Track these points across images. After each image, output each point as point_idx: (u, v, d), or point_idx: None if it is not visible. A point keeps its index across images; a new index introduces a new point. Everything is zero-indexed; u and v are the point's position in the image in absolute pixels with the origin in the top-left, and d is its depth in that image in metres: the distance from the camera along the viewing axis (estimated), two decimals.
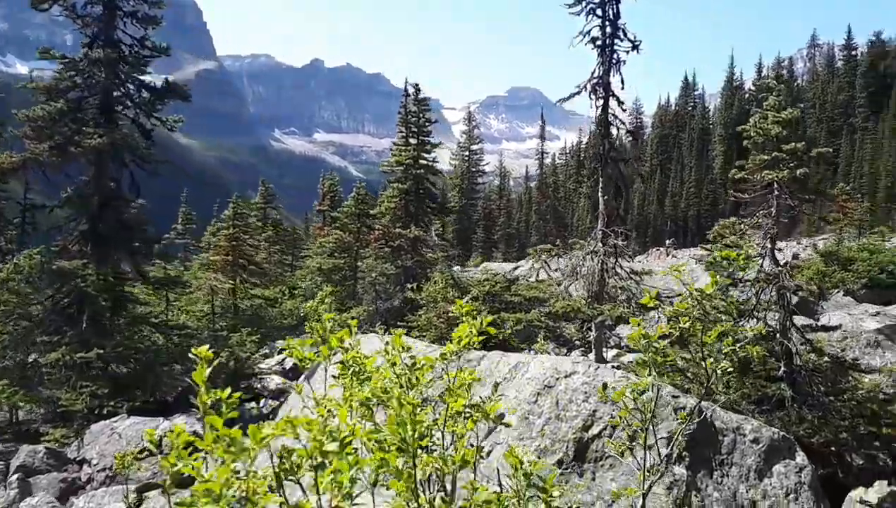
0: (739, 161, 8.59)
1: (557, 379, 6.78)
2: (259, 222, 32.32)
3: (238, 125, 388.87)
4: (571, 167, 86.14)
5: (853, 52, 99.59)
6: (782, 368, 7.99)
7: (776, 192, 7.96)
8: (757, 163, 8.14)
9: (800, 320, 12.86)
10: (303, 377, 11.02)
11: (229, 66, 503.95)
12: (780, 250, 33.19)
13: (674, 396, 6.23)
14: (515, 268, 28.64)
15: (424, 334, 13.28)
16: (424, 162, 18.98)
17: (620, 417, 3.96)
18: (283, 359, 17.48)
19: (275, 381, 16.94)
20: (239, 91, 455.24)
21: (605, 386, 3.51)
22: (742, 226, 8.47)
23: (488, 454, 6.66)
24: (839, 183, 42.61)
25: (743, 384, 8.33)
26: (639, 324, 3.49)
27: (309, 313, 15.69)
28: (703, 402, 6.64)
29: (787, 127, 8.02)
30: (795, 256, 31.49)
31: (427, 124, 19.88)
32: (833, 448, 7.19)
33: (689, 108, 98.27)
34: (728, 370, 3.62)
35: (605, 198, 13.89)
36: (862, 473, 7.07)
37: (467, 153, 66.15)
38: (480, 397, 2.88)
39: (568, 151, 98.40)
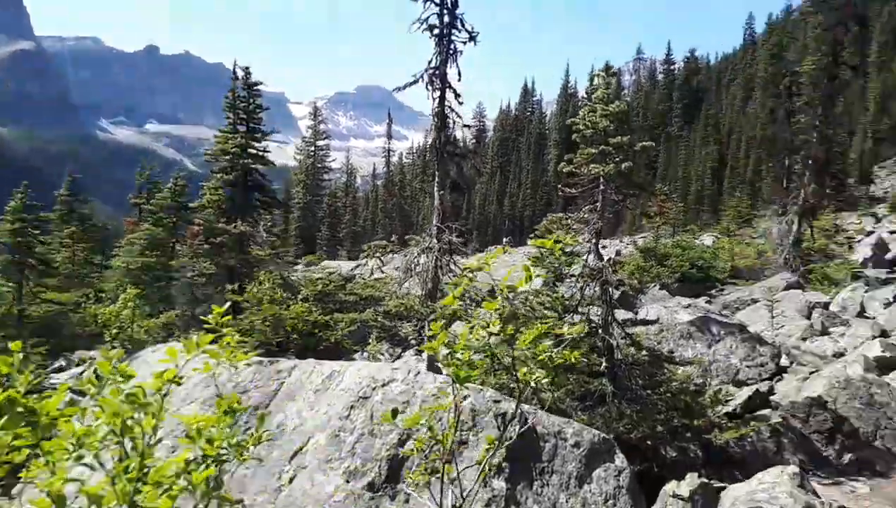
0: (569, 155, 8.45)
1: (374, 388, 6.11)
2: (62, 217, 28.49)
3: (59, 112, 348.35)
4: (418, 166, 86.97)
5: (672, 67, 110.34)
6: (604, 363, 7.94)
7: (602, 187, 7.88)
8: (585, 156, 8.03)
9: (621, 314, 13.34)
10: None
11: (50, 47, 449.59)
12: (604, 247, 35.29)
13: (495, 401, 5.81)
14: (356, 267, 27.82)
15: (246, 340, 12.06)
16: (254, 151, 17.48)
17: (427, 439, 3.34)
18: (83, 372, 15.25)
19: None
20: (61, 75, 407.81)
21: (395, 412, 2.83)
22: (569, 221, 8.32)
23: (290, 480, 5.83)
24: (658, 185, 46.52)
25: (567, 380, 8.20)
26: (471, 325, 2.97)
27: (109, 319, 13.80)
28: (525, 406, 6.30)
29: (614, 120, 7.96)
30: (618, 253, 33.69)
31: (258, 110, 18.38)
32: (649, 442, 7.26)
33: (528, 113, 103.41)
34: (542, 379, 3.14)
35: (441, 193, 13.54)
36: (676, 465, 7.19)
37: (313, 148, 64.04)
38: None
39: (415, 151, 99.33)
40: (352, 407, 5.96)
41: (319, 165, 64.47)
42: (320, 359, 7.46)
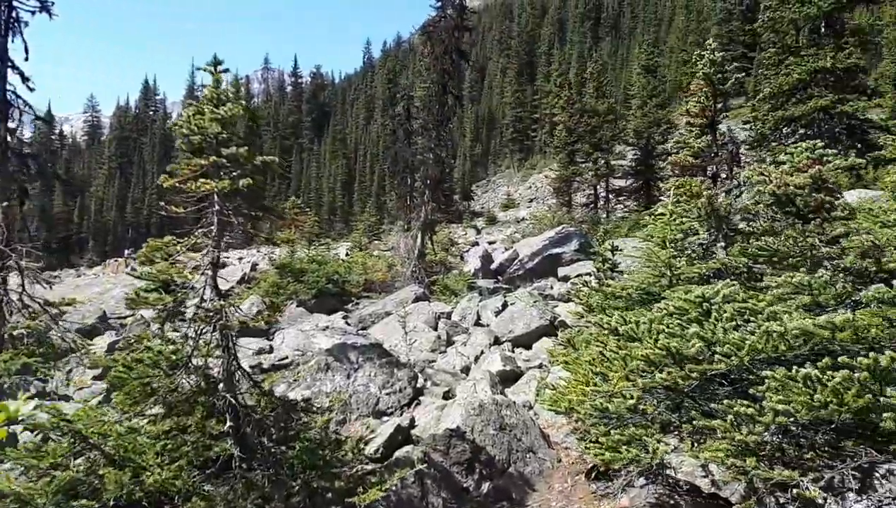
0: (173, 165, 6.62)
1: None
2: None
3: None
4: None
5: (300, 80, 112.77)
6: (228, 423, 6.40)
7: (217, 207, 6.29)
8: (191, 167, 6.34)
9: (254, 344, 11.92)
10: None
11: None
12: (241, 258, 32.66)
13: None
14: None
15: None
16: None
17: None
18: None
19: None
20: None
21: None
22: (179, 247, 6.53)
23: None
24: (291, 197, 46.22)
25: (184, 445, 6.43)
26: None
27: None
28: None
29: (227, 126, 6.44)
30: (254, 267, 32.03)
31: None
32: None
33: (151, 113, 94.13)
34: None
35: (6, 205, 10.10)
36: None
37: None
38: None
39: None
40: None
41: None
42: None
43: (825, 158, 5.91)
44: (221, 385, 6.38)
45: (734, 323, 5.08)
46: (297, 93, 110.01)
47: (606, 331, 6.39)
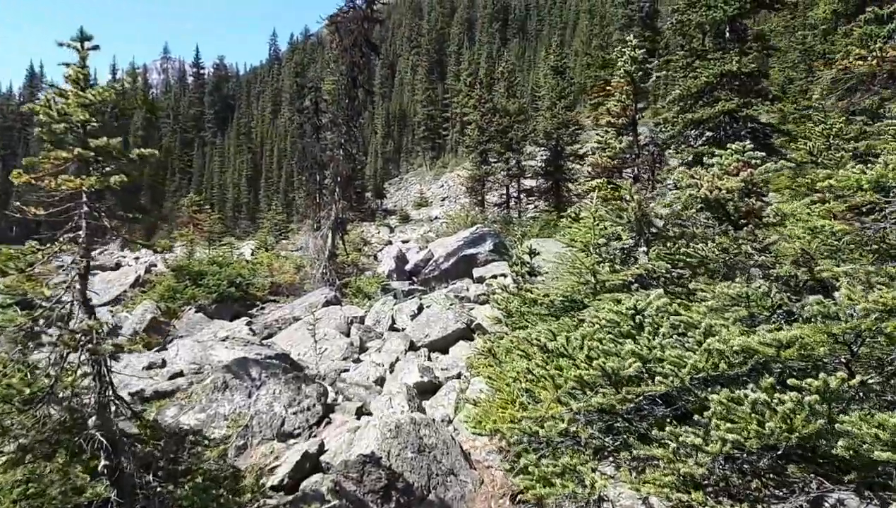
0: (30, 157, 5.55)
1: None
2: None
3: None
4: None
5: (202, 71, 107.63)
6: (103, 461, 5.44)
7: (85, 208, 5.33)
8: (53, 161, 5.33)
9: (144, 357, 10.72)
10: None
11: None
12: (137, 258, 30.25)
13: None
14: None
15: None
16: None
17: None
18: None
19: None
20: None
21: None
22: (40, 254, 5.50)
23: None
24: (191, 193, 43.62)
25: (50, 488, 5.43)
26: None
27: None
28: None
29: (97, 113, 5.47)
30: (150, 268, 29.83)
31: None
32: None
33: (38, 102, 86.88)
34: None
35: None
36: None
37: None
38: None
39: None
40: None
41: None
42: None
43: (754, 161, 5.70)
44: (93, 419, 5.41)
45: (671, 338, 4.72)
46: (200, 84, 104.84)
47: (533, 345, 5.93)
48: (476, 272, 18.78)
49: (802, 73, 31.98)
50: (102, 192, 5.46)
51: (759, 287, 4.78)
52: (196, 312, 17.02)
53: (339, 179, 20.44)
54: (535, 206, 30.52)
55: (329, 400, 8.59)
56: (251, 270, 19.37)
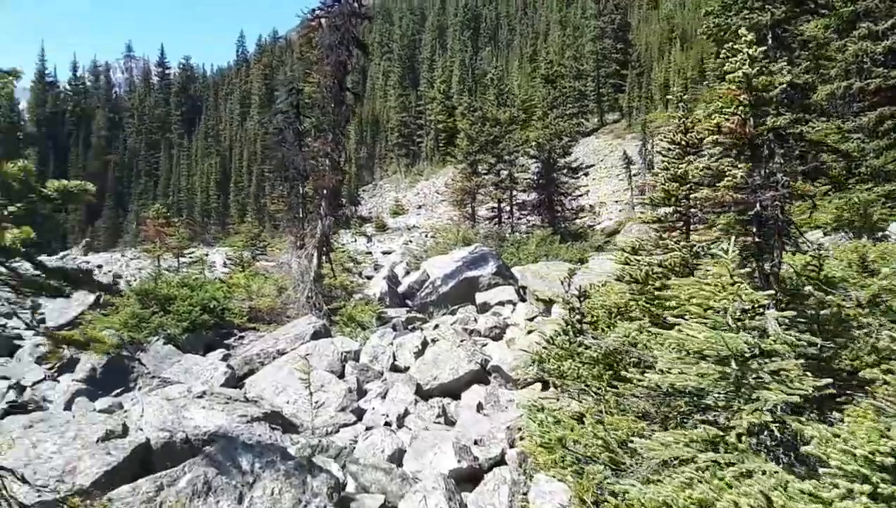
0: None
1: None
2: None
3: None
4: None
5: (167, 71, 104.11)
6: None
7: None
8: None
9: (99, 417, 8.66)
10: None
11: None
12: (100, 267, 27.66)
13: None
14: None
15: None
16: None
17: None
18: None
19: None
20: None
21: None
22: None
23: None
24: (156, 203, 40.88)
25: None
26: None
27: None
28: None
29: None
30: (116, 279, 27.39)
31: None
32: None
33: None
34: None
35: None
36: None
37: None
38: None
39: None
40: None
41: None
42: None
43: None
44: None
45: None
46: (165, 85, 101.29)
47: None
48: (479, 297, 17.02)
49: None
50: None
51: None
52: (165, 344, 14.91)
53: (325, 192, 18.51)
54: (528, 221, 28.97)
55: (343, 493, 6.73)
56: (226, 293, 17.29)
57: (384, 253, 36.06)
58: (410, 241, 41.00)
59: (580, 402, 7.93)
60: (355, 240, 41.33)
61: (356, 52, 20.99)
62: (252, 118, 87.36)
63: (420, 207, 65.18)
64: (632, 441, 6.17)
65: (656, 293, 8.19)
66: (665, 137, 9.74)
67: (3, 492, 3.37)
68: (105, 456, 7.51)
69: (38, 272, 3.89)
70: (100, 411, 10.63)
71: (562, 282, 9.19)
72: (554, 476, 5.70)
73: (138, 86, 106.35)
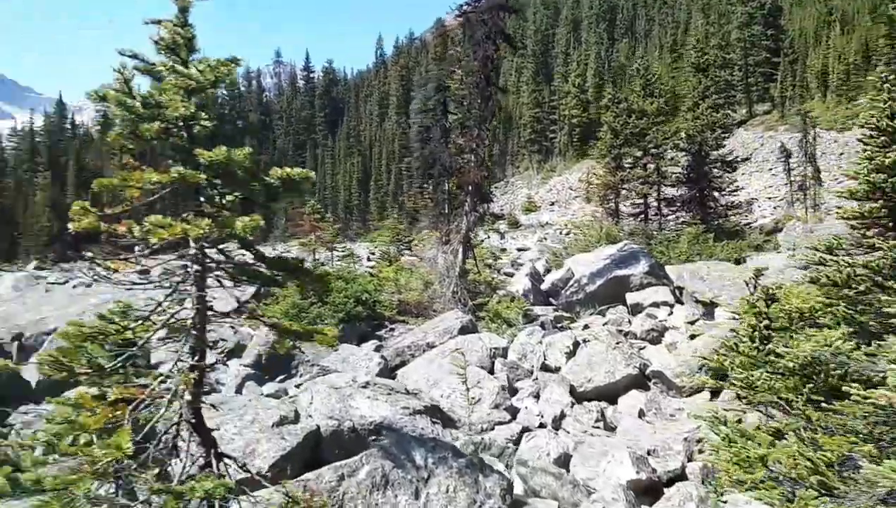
0: None
1: None
2: None
3: None
4: (25, 152, 68.98)
5: (312, 75, 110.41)
6: None
7: (195, 267, 3.52)
8: (134, 184, 3.56)
9: (272, 402, 9.12)
10: None
11: None
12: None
13: None
14: None
15: None
16: None
17: None
18: None
19: None
20: None
21: None
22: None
23: None
24: (311, 200, 43.39)
25: None
26: None
27: None
28: None
29: (207, 105, 3.71)
30: None
31: None
32: None
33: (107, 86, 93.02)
34: None
35: None
36: None
37: None
38: None
39: (19, 133, 79.02)
40: None
41: None
42: None
43: None
44: None
45: None
46: (310, 88, 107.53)
47: None
48: (630, 297, 16.24)
49: None
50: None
51: None
52: None
53: (470, 188, 18.56)
54: (677, 218, 27.39)
55: (514, 495, 6.55)
56: (377, 286, 17.83)
57: (519, 249, 35.75)
58: (545, 238, 40.39)
59: (767, 416, 7.22)
60: (489, 237, 41.40)
61: (503, 47, 20.87)
62: (390, 118, 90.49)
63: (553, 204, 64.13)
64: (844, 466, 5.49)
65: (860, 298, 7.25)
66: (867, 124, 8.62)
67: (227, 479, 3.52)
68: (280, 441, 7.86)
69: (254, 261, 4.06)
70: (267, 395, 11.27)
71: (746, 284, 8.39)
72: (758, 498, 5.13)
73: (286, 90, 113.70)
